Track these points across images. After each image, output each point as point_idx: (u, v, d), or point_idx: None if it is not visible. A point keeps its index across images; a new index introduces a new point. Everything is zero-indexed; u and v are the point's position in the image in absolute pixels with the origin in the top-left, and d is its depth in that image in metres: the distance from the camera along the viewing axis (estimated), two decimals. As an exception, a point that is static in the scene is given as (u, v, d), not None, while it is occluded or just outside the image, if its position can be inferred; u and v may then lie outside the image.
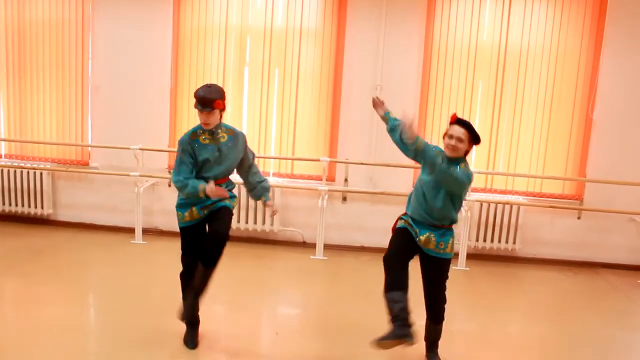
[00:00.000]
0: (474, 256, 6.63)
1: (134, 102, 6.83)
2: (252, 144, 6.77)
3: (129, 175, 6.58)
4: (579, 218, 6.72)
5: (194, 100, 3.73)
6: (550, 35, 6.49)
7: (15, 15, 6.88)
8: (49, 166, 7.00)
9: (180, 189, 3.79)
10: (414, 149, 3.54)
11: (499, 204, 6.59)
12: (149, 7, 6.69)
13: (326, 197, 6.48)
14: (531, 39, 6.51)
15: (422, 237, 3.67)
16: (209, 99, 3.67)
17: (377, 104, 4.00)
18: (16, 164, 6.98)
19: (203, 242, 3.86)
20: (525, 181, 6.73)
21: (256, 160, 4.20)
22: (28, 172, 6.93)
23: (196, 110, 3.75)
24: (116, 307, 4.73)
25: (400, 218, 3.85)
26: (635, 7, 6.33)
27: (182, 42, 6.79)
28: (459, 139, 3.58)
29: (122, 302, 4.82)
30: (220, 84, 6.56)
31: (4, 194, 6.99)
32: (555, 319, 5.10)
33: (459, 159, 3.62)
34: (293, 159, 6.84)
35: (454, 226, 3.79)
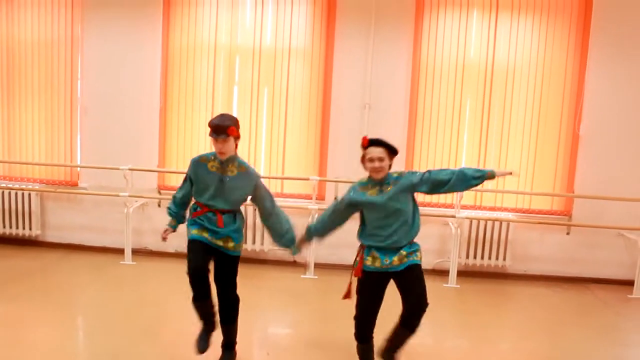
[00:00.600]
0: (464, 273, 6.64)
1: (123, 122, 6.83)
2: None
3: (118, 196, 6.55)
4: (568, 234, 6.76)
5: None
6: (537, 52, 6.58)
7: (4, 35, 6.89)
8: (37, 187, 6.96)
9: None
10: None
11: (488, 221, 6.61)
12: (138, 27, 6.72)
13: (316, 215, 6.48)
14: (517, 56, 6.59)
15: (395, 258, 3.65)
16: (223, 127, 3.66)
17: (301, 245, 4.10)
18: (4, 185, 6.94)
19: (207, 254, 3.83)
20: (514, 197, 6.77)
21: (277, 204, 4.05)
22: (16, 193, 6.89)
23: (211, 139, 3.75)
24: (106, 329, 4.68)
25: (362, 257, 3.76)
26: (619, 23, 6.45)
27: (171, 61, 6.81)
28: (380, 159, 3.61)
29: (112, 324, 4.77)
30: (209, 103, 6.76)
31: (-9, 215, 6.95)
32: (546, 335, 5.10)
33: (387, 177, 3.66)
34: (283, 178, 6.85)
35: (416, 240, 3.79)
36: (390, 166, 3.68)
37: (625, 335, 5.30)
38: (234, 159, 3.84)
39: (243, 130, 6.68)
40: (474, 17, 6.60)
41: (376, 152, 3.61)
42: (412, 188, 3.64)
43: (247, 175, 3.86)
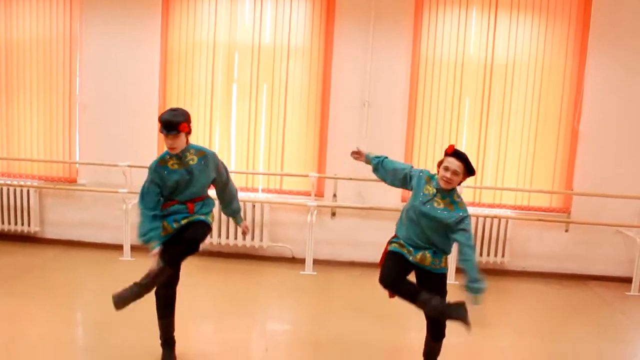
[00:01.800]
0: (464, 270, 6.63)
1: (122, 119, 6.82)
2: (240, 160, 6.85)
3: (117, 192, 6.55)
4: (566, 231, 6.76)
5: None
6: (536, 49, 6.58)
7: (2, 33, 6.87)
8: (36, 183, 6.96)
9: (138, 216, 3.82)
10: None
11: (487, 218, 6.62)
12: (137, 25, 6.71)
13: (315, 212, 6.49)
14: (517, 53, 6.59)
15: (418, 256, 3.62)
16: (175, 122, 3.65)
17: (356, 156, 4.05)
18: (3, 182, 6.93)
19: (177, 274, 3.90)
20: (513, 195, 6.77)
21: (231, 175, 4.15)
22: (15, 190, 6.88)
23: (162, 135, 3.74)
24: (105, 325, 4.68)
25: (390, 242, 3.78)
26: (618, 20, 6.45)
27: (170, 58, 6.81)
28: (455, 172, 3.55)
29: (112, 320, 4.75)
30: (208, 101, 6.75)
31: (-10, 212, 6.95)
32: (545, 332, 5.11)
33: (452, 192, 3.62)
34: (282, 175, 6.85)
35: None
36: (460, 183, 3.64)
37: (623, 331, 5.31)
38: (187, 148, 3.83)
39: (241, 127, 6.79)
40: (473, 15, 6.59)
41: (454, 164, 3.56)
42: (454, 225, 3.55)
43: (207, 156, 3.87)
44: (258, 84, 6.76)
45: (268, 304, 5.55)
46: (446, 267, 3.74)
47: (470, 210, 6.56)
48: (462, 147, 6.68)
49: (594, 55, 6.51)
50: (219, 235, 6.67)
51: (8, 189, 6.89)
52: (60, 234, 7.08)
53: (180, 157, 3.79)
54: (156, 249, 3.69)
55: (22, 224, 6.96)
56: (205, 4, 6.69)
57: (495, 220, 6.62)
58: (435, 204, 3.57)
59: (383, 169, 3.87)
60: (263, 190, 6.90)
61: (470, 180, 6.56)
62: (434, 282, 3.67)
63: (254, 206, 6.64)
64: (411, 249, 3.64)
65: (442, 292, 3.72)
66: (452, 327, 4.96)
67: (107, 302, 5.20)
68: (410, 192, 3.74)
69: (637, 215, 6.61)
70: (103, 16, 6.72)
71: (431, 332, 3.83)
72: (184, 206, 3.83)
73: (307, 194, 6.73)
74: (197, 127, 6.77)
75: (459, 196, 3.65)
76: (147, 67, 6.76)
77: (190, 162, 3.80)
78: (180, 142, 3.74)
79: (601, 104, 6.56)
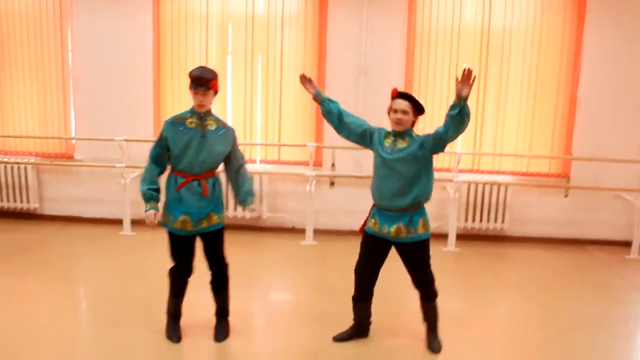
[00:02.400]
0: (463, 237, 6.66)
1: (117, 93, 6.76)
2: (237, 132, 6.74)
3: (114, 167, 6.53)
4: (566, 196, 6.76)
5: (188, 81, 3.67)
6: (533, 15, 6.48)
7: (-9, 8, 6.77)
8: (33, 160, 6.93)
9: (141, 178, 3.81)
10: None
11: (486, 185, 6.61)
12: (129, -4, 6.61)
13: (314, 182, 6.47)
14: (514, 20, 6.50)
15: (392, 229, 3.69)
16: (206, 79, 3.62)
17: (304, 81, 3.97)
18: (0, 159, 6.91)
19: (192, 251, 3.88)
20: (512, 161, 6.75)
21: (247, 165, 4.05)
22: (12, 167, 6.86)
23: (190, 93, 3.69)
24: (107, 300, 4.71)
25: (368, 216, 3.85)
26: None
27: (163, 31, 6.71)
28: (404, 112, 3.61)
29: (113, 294, 4.80)
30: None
31: (-12, 190, 6.93)
32: (545, 297, 5.14)
33: (407, 132, 3.66)
34: (279, 145, 6.82)
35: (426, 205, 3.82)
36: (413, 124, 3.69)
37: (624, 295, 5.33)
38: (210, 112, 3.79)
39: (237, 99, 6.74)
40: (470, -21, 6.49)
41: (402, 104, 3.62)
42: (420, 149, 3.60)
43: (227, 129, 3.83)
44: (253, 54, 6.68)
45: (269, 275, 5.57)
46: (426, 232, 3.75)
47: (469, 176, 6.64)
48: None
49: (592, 20, 6.42)
50: (218, 208, 6.66)
51: (5, 167, 6.86)
52: (59, 210, 7.08)
53: (201, 118, 3.73)
54: (150, 212, 3.72)
55: (21, 201, 6.96)
56: (197, -27, 6.58)
57: (495, 187, 6.62)
58: (400, 146, 3.63)
59: (339, 118, 3.84)
60: (261, 162, 6.88)
61: (469, 147, 6.61)
62: (411, 252, 3.75)
63: (252, 178, 6.61)
64: (385, 224, 3.70)
65: (423, 257, 3.80)
66: (452, 293, 5.00)
67: (108, 277, 5.26)
68: (366, 148, 3.85)
69: (636, 180, 6.61)
70: (94, -12, 6.62)
71: (422, 295, 3.89)
72: (199, 186, 3.74)
73: (306, 163, 6.70)
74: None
75: (416, 133, 3.71)
76: (140, 40, 6.67)
77: (209, 127, 3.75)
78: (209, 100, 3.71)
79: (599, 69, 6.49)
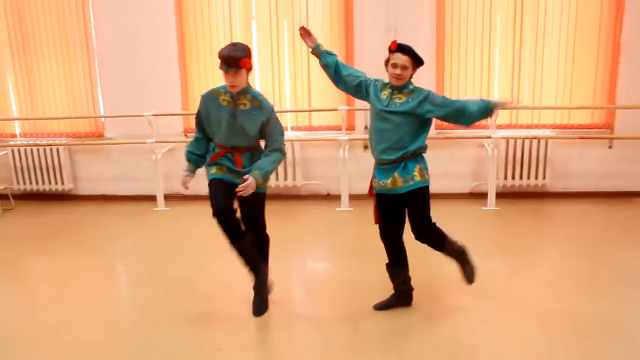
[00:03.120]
0: (503, 195, 6.46)
1: (143, 68, 6.67)
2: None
3: (144, 143, 6.48)
4: (610, 147, 6.48)
5: (218, 61, 3.53)
6: (570, -43, 6.13)
7: (12, -10, 6.69)
8: (64, 141, 6.93)
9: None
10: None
11: (525, 140, 6.37)
12: (148, -33, 6.46)
13: (347, 146, 6.32)
14: (550, -40, 6.15)
15: (389, 181, 3.59)
16: (235, 58, 3.46)
17: (303, 34, 3.89)
18: (32, 142, 6.92)
19: (230, 190, 3.62)
20: (551, 113, 6.48)
21: (284, 144, 3.78)
22: (44, 149, 6.88)
23: (221, 72, 3.55)
24: (144, 274, 4.70)
25: (372, 177, 3.76)
26: None
27: (185, 1, 6.56)
28: (404, 67, 3.48)
29: (152, 272, 4.76)
30: (228, 41, 6.49)
31: (23, 173, 6.98)
32: (591, 253, 4.94)
33: (406, 85, 3.54)
34: (310, 111, 6.67)
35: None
36: (411, 76, 3.56)
37: (677, 247, 5.10)
38: (246, 91, 3.64)
39: (264, 66, 6.58)
40: None
41: (402, 59, 3.48)
42: (419, 108, 3.49)
43: (261, 108, 3.65)
44: (278, 18, 6.49)
45: (306, 244, 5.48)
46: (423, 180, 3.59)
47: (507, 132, 6.40)
48: (495, 67, 6.40)
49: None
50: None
51: (38, 149, 6.89)
52: (94, 189, 7.10)
53: (233, 97, 3.62)
54: (184, 173, 3.80)
55: (56, 183, 7.00)
56: (216, -62, 6.37)
57: (535, 142, 6.37)
58: (397, 100, 3.53)
59: (335, 70, 3.82)
60: (292, 129, 6.74)
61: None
62: (411, 198, 3.59)
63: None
64: (383, 177, 3.61)
65: (421, 206, 3.63)
66: (493, 253, 4.84)
67: (146, 254, 5.25)
68: (363, 101, 3.78)
69: (684, 125, 6.28)
70: (112, -38, 6.48)
71: (432, 245, 3.73)
72: (231, 158, 3.68)
73: (338, 128, 6.55)
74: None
75: (414, 85, 3.58)
76: (162, 12, 6.55)
77: (241, 107, 3.62)
78: (241, 80, 3.56)
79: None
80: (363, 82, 3.71)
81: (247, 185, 3.51)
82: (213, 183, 3.71)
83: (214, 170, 3.72)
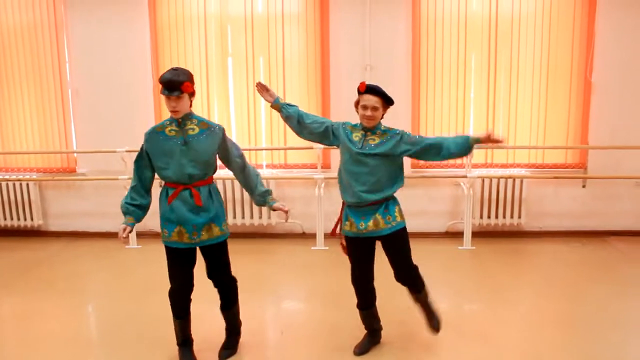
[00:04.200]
0: (479, 234, 6.46)
1: (117, 103, 6.60)
2: (242, 136, 6.63)
3: (117, 179, 6.37)
4: (584, 187, 6.54)
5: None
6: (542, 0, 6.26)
7: (-15, 22, 6.63)
8: (35, 176, 6.79)
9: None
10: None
11: (501, 179, 6.40)
12: (124, 3, 6.43)
13: (323, 185, 6.28)
14: (522, 4, 6.27)
15: (370, 224, 3.54)
16: (177, 82, 3.33)
17: (261, 90, 3.83)
18: (1, 177, 6.76)
19: (191, 264, 3.58)
20: (526, 153, 6.53)
21: (246, 157, 3.77)
22: (14, 184, 6.73)
23: (163, 98, 3.44)
24: (118, 316, 4.56)
25: (341, 218, 3.69)
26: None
27: (161, 35, 6.55)
28: (374, 108, 3.46)
29: (123, 313, 4.62)
30: (204, 77, 6.51)
31: (-9, 208, 6.80)
32: (568, 293, 4.93)
33: (377, 126, 3.54)
34: (285, 149, 6.63)
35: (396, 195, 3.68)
36: (382, 116, 3.55)
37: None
38: (190, 116, 3.51)
39: (240, 103, 6.55)
40: (474, -33, 6.28)
41: (372, 100, 3.47)
42: (396, 148, 3.50)
43: (210, 130, 3.53)
44: (254, 55, 6.50)
45: (281, 283, 5.38)
46: (402, 220, 3.60)
47: (483, 171, 6.42)
48: (470, 106, 6.45)
49: (604, 3, 6.18)
50: (228, 216, 6.49)
51: (7, 184, 6.73)
52: (64, 225, 6.94)
53: (179, 125, 3.48)
54: (126, 226, 3.49)
55: (25, 219, 6.83)
56: (193, -24, 6.40)
57: (510, 181, 6.40)
58: (371, 142, 3.51)
59: (298, 120, 3.77)
60: (267, 166, 6.69)
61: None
62: (394, 240, 3.57)
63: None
64: (361, 220, 3.55)
65: (405, 246, 3.61)
66: (470, 293, 4.79)
67: (117, 293, 5.09)
68: (332, 147, 3.78)
69: (657, 166, 6.37)
70: (87, -3, 6.46)
71: (410, 287, 3.72)
72: (189, 198, 3.46)
73: (314, 166, 6.52)
74: (195, 105, 6.52)
75: (385, 126, 3.58)
76: (137, 46, 6.51)
77: (190, 132, 3.48)
78: (184, 105, 3.43)
79: (614, 53, 6.25)
80: (329, 127, 3.66)
81: (288, 210, 3.64)
82: (172, 255, 3.54)
83: (172, 237, 3.50)
